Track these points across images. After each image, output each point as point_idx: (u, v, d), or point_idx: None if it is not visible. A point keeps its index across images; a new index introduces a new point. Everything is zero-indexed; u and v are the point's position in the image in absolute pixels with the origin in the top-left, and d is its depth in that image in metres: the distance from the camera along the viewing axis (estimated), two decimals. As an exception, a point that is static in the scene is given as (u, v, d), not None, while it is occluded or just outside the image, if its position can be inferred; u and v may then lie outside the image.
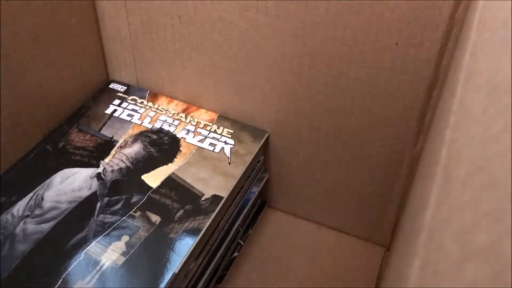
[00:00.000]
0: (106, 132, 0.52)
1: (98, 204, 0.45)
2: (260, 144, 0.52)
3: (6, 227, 0.42)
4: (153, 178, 0.47)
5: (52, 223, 0.43)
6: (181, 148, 0.50)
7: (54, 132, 0.52)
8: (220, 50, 0.50)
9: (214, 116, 0.54)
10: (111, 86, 0.58)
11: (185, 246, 0.41)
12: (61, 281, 0.39)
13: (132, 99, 0.56)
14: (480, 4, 0.30)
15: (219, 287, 0.52)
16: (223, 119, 0.54)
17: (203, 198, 0.46)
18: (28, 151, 0.50)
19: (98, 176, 0.47)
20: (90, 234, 0.42)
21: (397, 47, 0.42)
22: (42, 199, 0.45)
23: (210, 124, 0.53)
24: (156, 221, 0.43)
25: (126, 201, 0.45)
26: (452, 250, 0.15)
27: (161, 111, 0.54)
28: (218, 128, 0.53)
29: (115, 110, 0.55)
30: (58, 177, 0.47)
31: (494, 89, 0.20)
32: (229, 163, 0.49)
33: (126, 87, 0.58)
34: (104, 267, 0.40)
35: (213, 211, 0.44)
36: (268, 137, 0.54)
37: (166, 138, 0.51)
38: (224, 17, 0.47)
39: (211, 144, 0.51)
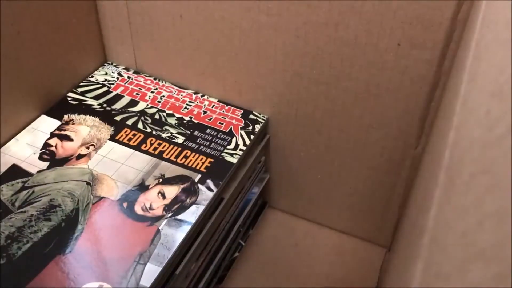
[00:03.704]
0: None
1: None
2: (261, 145, 0.52)
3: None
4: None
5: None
6: None
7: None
8: (222, 50, 0.49)
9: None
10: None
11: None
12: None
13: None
14: (483, 4, 0.30)
15: (220, 287, 0.52)
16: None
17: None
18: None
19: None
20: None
21: (399, 47, 0.42)
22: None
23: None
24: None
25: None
26: (455, 252, 0.15)
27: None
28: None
29: None
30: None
31: (497, 90, 0.20)
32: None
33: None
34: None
35: (214, 212, 0.44)
36: (269, 138, 0.54)
37: None
38: (226, 17, 0.47)
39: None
